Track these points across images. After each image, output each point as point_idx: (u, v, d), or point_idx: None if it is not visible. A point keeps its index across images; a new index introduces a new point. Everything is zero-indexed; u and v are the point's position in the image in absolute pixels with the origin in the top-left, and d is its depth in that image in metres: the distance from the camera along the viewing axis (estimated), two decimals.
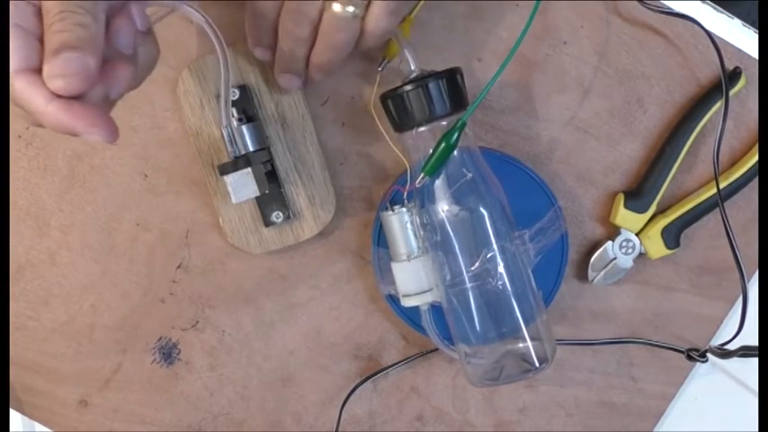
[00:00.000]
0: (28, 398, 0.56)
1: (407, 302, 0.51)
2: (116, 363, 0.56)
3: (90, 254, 0.55)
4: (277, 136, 0.52)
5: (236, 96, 0.51)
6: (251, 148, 0.49)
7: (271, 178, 0.52)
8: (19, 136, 0.53)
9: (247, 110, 0.51)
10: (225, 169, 0.48)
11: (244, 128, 0.49)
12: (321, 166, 0.53)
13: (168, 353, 0.56)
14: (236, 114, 0.50)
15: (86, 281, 0.55)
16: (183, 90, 0.52)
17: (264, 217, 0.53)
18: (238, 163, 0.48)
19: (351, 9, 0.44)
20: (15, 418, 0.56)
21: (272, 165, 0.52)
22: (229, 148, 0.49)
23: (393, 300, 0.53)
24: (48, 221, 0.54)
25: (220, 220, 0.53)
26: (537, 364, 0.49)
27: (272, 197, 0.52)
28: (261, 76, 0.52)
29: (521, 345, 0.49)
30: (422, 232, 0.49)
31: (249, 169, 0.48)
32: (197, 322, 0.56)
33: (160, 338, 0.56)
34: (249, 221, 0.53)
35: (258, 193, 0.48)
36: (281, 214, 0.52)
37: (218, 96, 0.51)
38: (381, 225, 0.51)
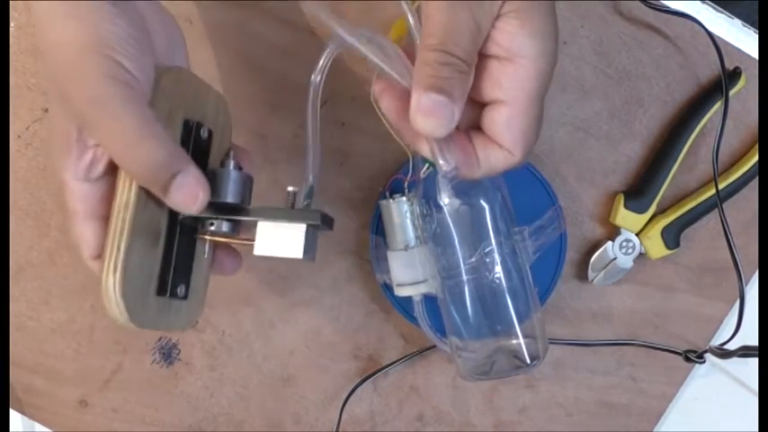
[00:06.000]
0: (28, 398, 0.56)
1: (401, 292, 0.50)
2: (116, 363, 0.56)
3: None
4: None
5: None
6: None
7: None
8: (18, 136, 0.53)
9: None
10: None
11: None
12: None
13: (168, 353, 0.56)
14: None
15: (86, 281, 0.55)
16: None
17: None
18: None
19: None
20: (15, 418, 0.56)
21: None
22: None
23: (388, 288, 0.53)
24: (48, 221, 0.54)
25: None
26: (528, 362, 0.49)
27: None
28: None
29: (513, 341, 0.49)
30: (420, 222, 0.49)
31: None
32: (197, 322, 0.56)
33: (160, 338, 0.56)
34: None
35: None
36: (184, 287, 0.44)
37: None
38: (380, 213, 0.51)
